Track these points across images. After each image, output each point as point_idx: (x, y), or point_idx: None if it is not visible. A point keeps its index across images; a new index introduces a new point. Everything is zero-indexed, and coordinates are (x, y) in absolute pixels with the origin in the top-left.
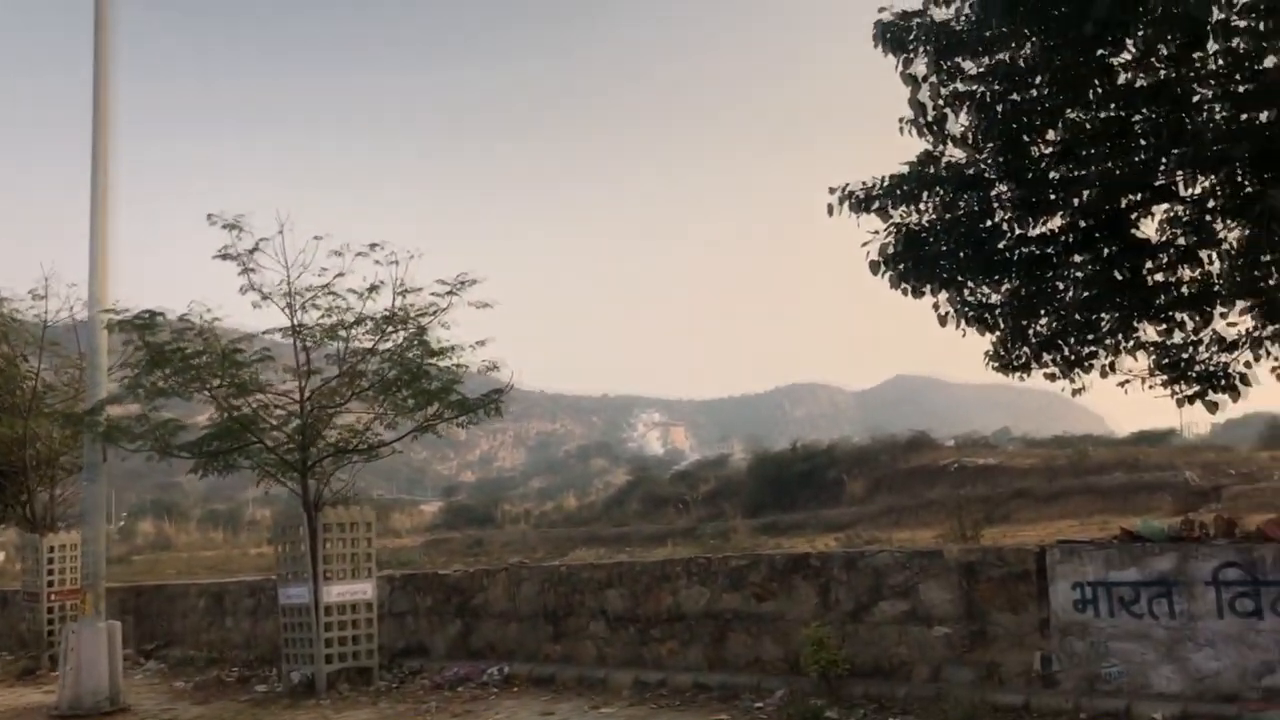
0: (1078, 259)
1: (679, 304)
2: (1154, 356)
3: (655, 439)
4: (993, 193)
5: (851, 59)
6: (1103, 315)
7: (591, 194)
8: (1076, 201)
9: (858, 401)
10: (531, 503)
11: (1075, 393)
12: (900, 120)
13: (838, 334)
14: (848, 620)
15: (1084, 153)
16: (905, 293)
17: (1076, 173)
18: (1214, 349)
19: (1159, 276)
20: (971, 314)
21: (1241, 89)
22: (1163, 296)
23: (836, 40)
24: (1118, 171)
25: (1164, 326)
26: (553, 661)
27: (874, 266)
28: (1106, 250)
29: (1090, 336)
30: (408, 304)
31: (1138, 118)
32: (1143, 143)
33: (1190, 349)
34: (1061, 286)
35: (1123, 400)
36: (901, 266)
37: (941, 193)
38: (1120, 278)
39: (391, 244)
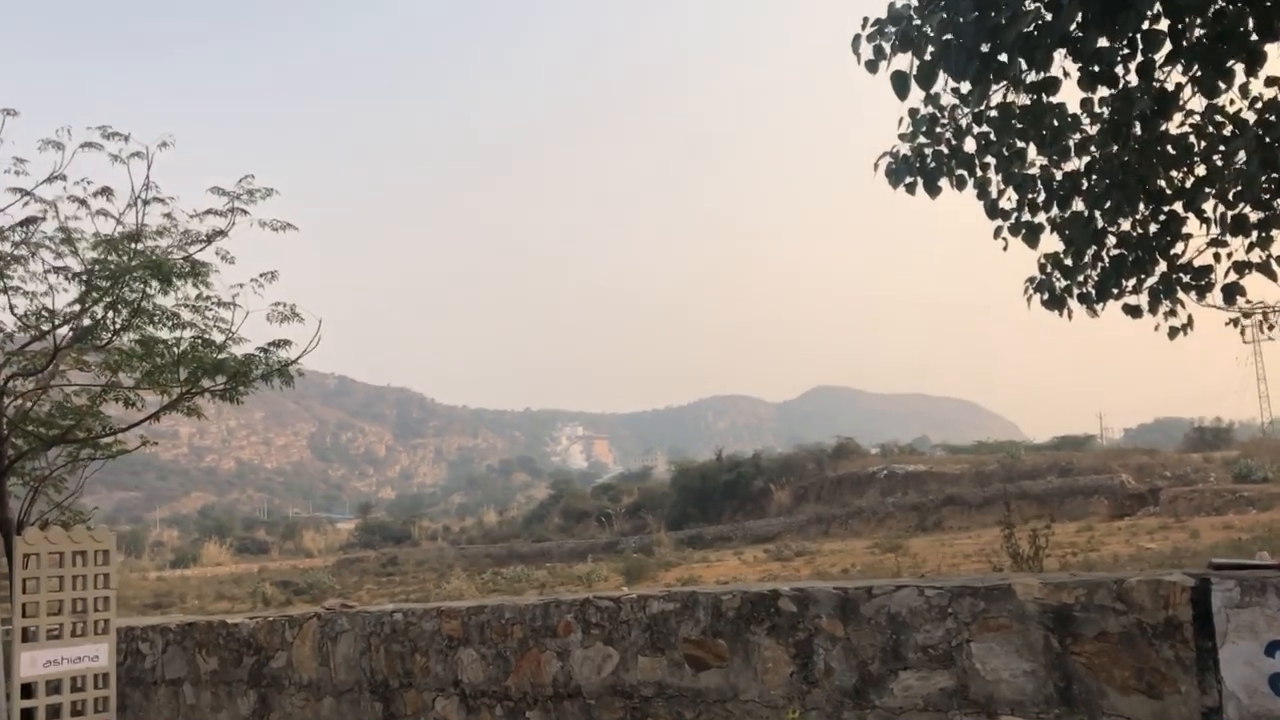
0: None
1: (600, 317)
2: None
3: (578, 452)
4: None
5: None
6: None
7: (515, 207)
8: None
9: (779, 412)
10: (451, 519)
11: (1173, 333)
12: None
13: (759, 345)
14: (848, 703)
15: None
16: (911, 189)
17: None
18: None
19: None
20: (1033, 194)
21: None
22: None
23: None
24: None
25: None
26: None
27: (899, 81)
28: None
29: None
30: (166, 223)
31: None
32: None
33: None
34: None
35: (1037, 407)
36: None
37: None
38: None
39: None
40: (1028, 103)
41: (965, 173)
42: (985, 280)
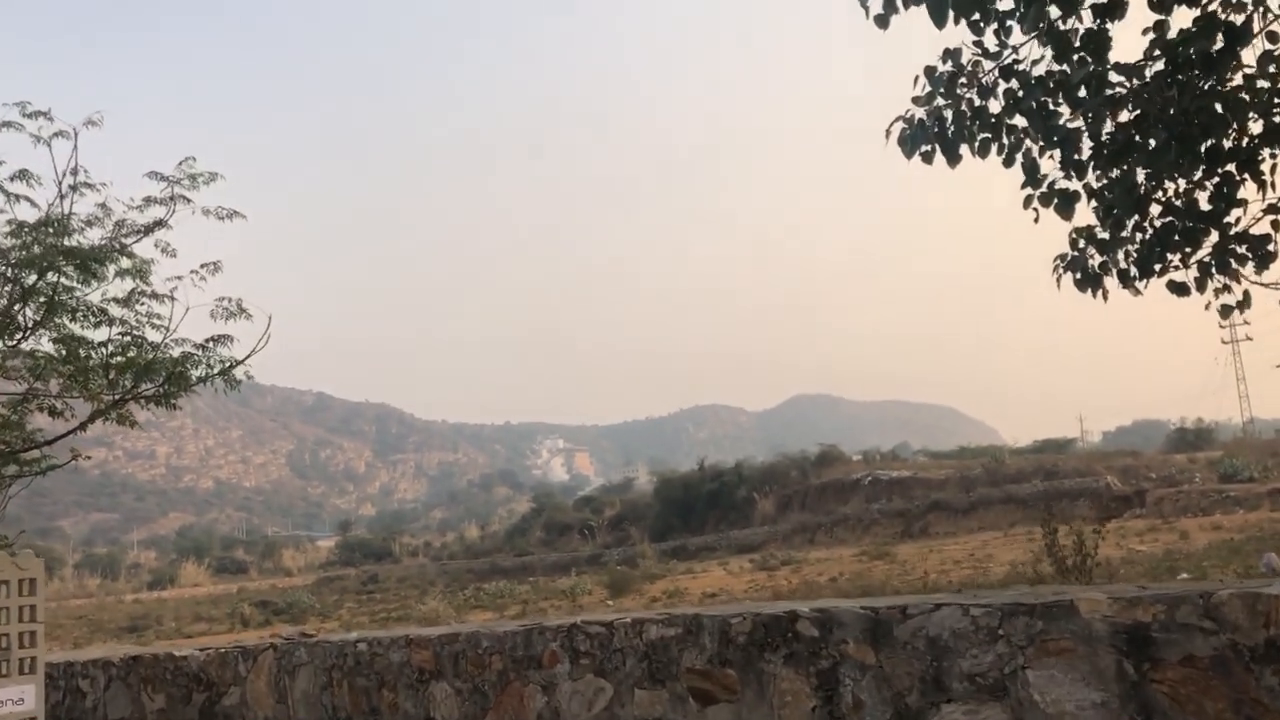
0: None
1: (579, 329)
2: None
3: (559, 465)
4: None
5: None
6: None
7: (490, 214)
8: None
9: (759, 421)
10: (432, 534)
11: (1225, 311)
12: None
13: (737, 355)
14: None
15: None
16: (927, 157)
17: None
18: None
19: None
20: (1077, 154)
21: None
22: None
23: None
24: None
25: None
26: None
27: (937, 8)
28: None
29: None
30: (99, 212)
31: None
32: None
33: None
34: None
35: (1016, 411)
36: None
37: None
38: None
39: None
40: (1092, 27)
41: (989, 135)
42: (966, 282)
